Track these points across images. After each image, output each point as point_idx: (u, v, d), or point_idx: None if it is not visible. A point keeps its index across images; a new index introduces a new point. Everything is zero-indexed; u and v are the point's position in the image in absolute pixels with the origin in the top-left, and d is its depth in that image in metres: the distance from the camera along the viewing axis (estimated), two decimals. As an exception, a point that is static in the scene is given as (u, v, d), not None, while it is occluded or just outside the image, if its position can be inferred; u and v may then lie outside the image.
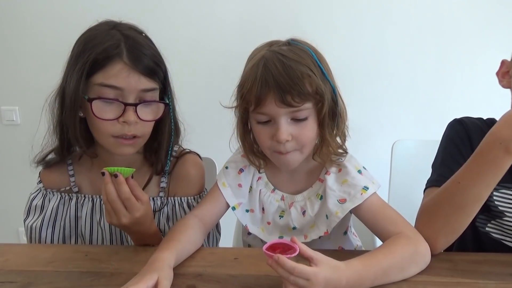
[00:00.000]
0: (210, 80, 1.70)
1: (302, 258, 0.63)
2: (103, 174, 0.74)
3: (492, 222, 0.84)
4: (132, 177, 0.76)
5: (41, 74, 1.79)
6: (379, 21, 1.65)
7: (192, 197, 0.95)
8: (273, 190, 0.89)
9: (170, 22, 1.66)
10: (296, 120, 0.76)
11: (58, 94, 0.83)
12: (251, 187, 0.90)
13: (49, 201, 0.92)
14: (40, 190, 0.94)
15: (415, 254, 0.72)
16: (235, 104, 0.81)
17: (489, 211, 0.84)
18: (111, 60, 0.76)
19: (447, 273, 0.72)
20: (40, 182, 0.94)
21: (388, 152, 1.30)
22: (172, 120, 0.89)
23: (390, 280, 0.69)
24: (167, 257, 0.69)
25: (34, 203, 0.93)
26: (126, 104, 0.78)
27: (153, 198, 0.92)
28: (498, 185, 0.75)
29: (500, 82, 0.87)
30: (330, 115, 0.78)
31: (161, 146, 0.89)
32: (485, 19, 1.64)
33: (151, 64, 0.79)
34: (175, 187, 0.93)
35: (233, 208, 0.88)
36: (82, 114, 0.81)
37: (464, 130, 0.89)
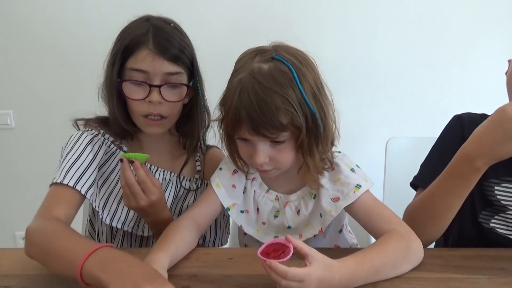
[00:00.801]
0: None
1: (297, 256, 0.64)
2: (121, 160, 0.82)
3: (496, 217, 0.84)
4: (145, 163, 0.83)
5: (36, 77, 1.79)
6: (372, 20, 1.66)
7: None
8: (268, 191, 0.89)
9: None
10: (275, 142, 0.75)
11: (103, 83, 0.91)
12: (245, 188, 0.90)
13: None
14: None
15: (407, 251, 0.72)
16: (219, 120, 0.80)
17: (491, 206, 0.84)
18: (139, 46, 0.85)
19: (439, 269, 0.73)
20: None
21: (383, 150, 1.31)
22: (202, 104, 0.96)
23: (383, 277, 0.70)
24: (161, 259, 0.69)
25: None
26: (151, 86, 0.86)
27: (189, 179, 1.01)
28: (499, 179, 0.76)
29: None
30: (311, 139, 0.76)
31: (193, 130, 0.97)
32: (478, 16, 1.65)
33: (174, 50, 0.86)
34: (207, 175, 1.00)
35: (228, 209, 0.88)
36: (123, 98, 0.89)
37: (460, 127, 0.90)
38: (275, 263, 0.60)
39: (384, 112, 1.73)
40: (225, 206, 0.88)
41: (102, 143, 0.94)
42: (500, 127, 0.71)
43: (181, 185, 1.00)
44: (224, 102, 0.77)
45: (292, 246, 0.63)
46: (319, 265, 0.63)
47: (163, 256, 0.70)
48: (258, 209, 0.89)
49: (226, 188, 0.89)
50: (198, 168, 1.03)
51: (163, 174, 0.99)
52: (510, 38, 1.64)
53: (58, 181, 0.82)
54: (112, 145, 0.96)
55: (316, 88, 0.76)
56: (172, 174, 0.99)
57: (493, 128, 0.73)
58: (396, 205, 0.98)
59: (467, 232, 0.80)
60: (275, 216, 0.88)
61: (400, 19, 1.66)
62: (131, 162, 0.82)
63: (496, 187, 0.83)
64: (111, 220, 0.94)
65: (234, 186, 0.89)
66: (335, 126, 0.82)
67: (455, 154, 0.78)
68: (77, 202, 0.84)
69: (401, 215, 0.96)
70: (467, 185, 0.76)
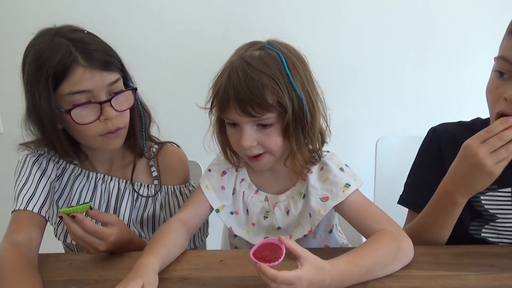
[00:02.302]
0: (196, 81, 1.70)
1: (289, 257, 0.64)
2: (60, 218, 0.75)
3: (486, 227, 0.85)
4: (91, 208, 0.78)
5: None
6: (362, 19, 1.67)
7: (183, 185, 1.00)
8: (257, 191, 0.89)
9: (151, 23, 1.66)
10: (262, 125, 0.76)
11: (30, 115, 0.84)
12: (234, 189, 0.90)
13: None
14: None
15: (398, 251, 0.73)
16: (209, 105, 0.82)
17: (481, 216, 0.85)
18: (70, 68, 0.78)
19: (429, 267, 0.73)
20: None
21: (373, 149, 1.31)
22: (138, 103, 0.92)
23: (373, 277, 0.70)
24: (151, 262, 0.69)
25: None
26: (101, 103, 0.80)
27: (147, 186, 0.97)
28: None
29: None
30: (298, 125, 0.77)
31: (135, 130, 0.93)
32: (469, 16, 1.66)
33: (105, 57, 0.82)
34: (164, 178, 0.98)
35: (217, 211, 0.88)
36: (61, 127, 0.83)
37: (436, 141, 0.91)
38: (265, 266, 0.60)
39: (374, 111, 1.73)
40: (215, 208, 0.88)
41: (49, 160, 0.92)
42: (466, 162, 0.74)
43: (137, 192, 0.96)
44: (214, 85, 0.79)
45: (284, 248, 0.63)
46: (310, 267, 0.63)
47: (153, 260, 0.70)
48: (247, 210, 0.89)
49: (215, 190, 0.88)
50: (155, 173, 0.98)
51: (118, 183, 0.96)
52: (500, 36, 1.66)
53: (14, 208, 0.83)
54: (61, 161, 0.93)
55: (305, 78, 0.78)
56: (128, 182, 0.96)
57: (461, 164, 0.75)
58: (387, 204, 0.98)
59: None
60: (265, 217, 0.88)
61: (391, 18, 1.66)
62: (72, 217, 0.75)
63: (482, 197, 0.84)
64: (65, 236, 0.95)
65: (223, 187, 0.89)
66: (326, 124, 0.83)
67: (437, 188, 0.81)
68: (37, 222, 0.84)
69: (392, 214, 0.97)
70: (450, 217, 0.80)
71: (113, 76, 0.82)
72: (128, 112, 0.87)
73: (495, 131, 0.71)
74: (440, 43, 1.69)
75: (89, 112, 0.80)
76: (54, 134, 0.82)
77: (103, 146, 0.86)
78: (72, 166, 0.94)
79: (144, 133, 0.95)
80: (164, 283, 0.70)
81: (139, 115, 0.93)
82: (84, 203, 0.78)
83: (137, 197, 0.96)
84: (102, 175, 0.94)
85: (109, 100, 0.81)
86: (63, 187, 0.93)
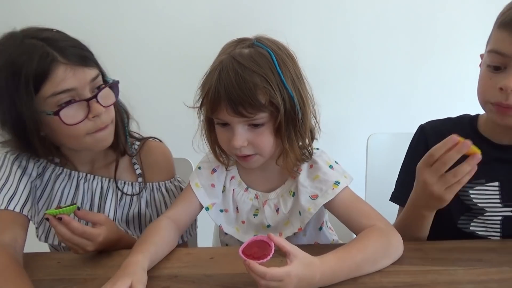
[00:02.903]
0: (186, 79, 1.69)
1: (279, 254, 0.64)
2: (47, 219, 0.74)
3: (475, 220, 0.86)
4: (78, 208, 0.77)
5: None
6: (353, 16, 1.67)
7: (169, 181, 0.98)
8: (246, 189, 0.89)
9: (141, 21, 1.65)
10: (253, 126, 0.76)
11: (5, 125, 0.79)
12: (224, 186, 0.90)
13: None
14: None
15: (388, 247, 0.73)
16: (198, 104, 0.81)
17: (469, 210, 0.86)
18: (50, 68, 0.74)
19: (418, 262, 0.74)
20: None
21: (364, 146, 1.32)
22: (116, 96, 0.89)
23: (363, 273, 0.70)
24: (140, 260, 0.69)
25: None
26: (88, 100, 0.78)
27: (131, 183, 0.94)
28: (471, 182, 0.79)
29: None
30: (289, 124, 0.77)
31: (118, 127, 0.90)
32: (459, 14, 1.67)
33: (82, 53, 0.79)
34: (148, 175, 0.96)
35: (207, 209, 0.88)
36: (43, 133, 0.80)
37: (423, 138, 0.92)
38: (254, 263, 0.60)
39: (366, 108, 1.74)
40: (204, 206, 0.87)
41: (29, 158, 0.89)
42: (419, 185, 0.76)
43: (121, 191, 0.93)
44: (204, 84, 0.77)
45: (273, 246, 0.63)
46: (300, 263, 0.63)
47: (142, 258, 0.69)
48: (237, 208, 0.89)
49: (205, 188, 0.88)
50: (138, 171, 0.95)
51: (101, 182, 0.93)
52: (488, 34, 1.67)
53: None
54: (41, 159, 0.90)
55: (295, 76, 0.78)
56: (111, 181, 0.93)
57: (417, 184, 0.78)
58: (378, 200, 0.99)
59: (449, 239, 0.82)
60: (255, 215, 0.88)
61: (382, 15, 1.67)
62: (59, 219, 0.73)
63: (470, 191, 0.85)
64: (46, 237, 0.93)
65: (213, 185, 0.88)
66: (316, 120, 0.83)
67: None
68: (21, 222, 0.82)
69: (383, 210, 0.97)
70: (422, 223, 0.82)
71: (93, 71, 0.80)
72: (113, 107, 0.85)
73: (437, 155, 0.71)
74: (432, 40, 1.70)
75: (77, 110, 0.78)
76: (36, 141, 0.79)
77: (93, 146, 0.83)
78: (53, 165, 0.91)
79: (126, 130, 0.93)
80: (154, 281, 0.70)
81: (119, 112, 0.91)
82: (71, 204, 0.76)
83: (121, 195, 0.94)
84: (84, 174, 0.92)
85: (95, 96, 0.79)
86: (43, 186, 0.91)
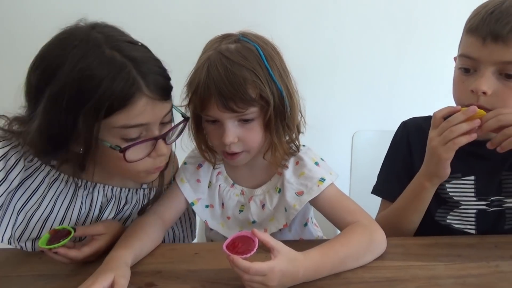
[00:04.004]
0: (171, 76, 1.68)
1: (264, 249, 0.64)
2: (42, 252, 0.69)
3: (451, 213, 0.88)
4: (74, 230, 0.72)
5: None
6: (338, 13, 1.67)
7: (168, 185, 0.93)
8: (233, 185, 0.89)
9: (126, 16, 1.62)
10: (243, 121, 0.75)
11: (42, 136, 0.67)
12: (210, 182, 0.89)
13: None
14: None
15: (371, 242, 0.74)
16: (185, 101, 0.80)
17: (446, 203, 0.88)
18: (133, 97, 0.64)
19: (400, 258, 0.75)
20: None
21: (349, 143, 1.33)
22: None
23: (346, 268, 0.71)
24: (123, 255, 0.68)
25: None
26: (157, 138, 0.70)
27: (136, 190, 0.87)
28: (448, 177, 0.82)
29: None
30: (278, 117, 0.77)
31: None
32: (445, 12, 1.69)
33: (164, 83, 0.69)
34: (155, 181, 0.86)
35: (192, 204, 0.87)
36: (82, 151, 0.68)
37: (406, 134, 0.95)
38: (237, 258, 0.60)
39: (351, 105, 1.75)
40: (190, 201, 0.87)
41: (21, 157, 0.75)
42: (426, 148, 0.80)
43: (126, 199, 0.86)
44: (192, 81, 0.76)
45: (257, 241, 0.64)
46: (284, 258, 0.63)
47: (126, 253, 0.69)
48: (223, 204, 0.89)
49: (190, 183, 0.88)
50: None
51: (103, 190, 0.83)
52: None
53: None
54: (35, 159, 0.78)
55: (282, 70, 0.78)
56: (115, 189, 0.84)
57: (426, 151, 0.81)
58: (362, 197, 1.00)
59: (426, 231, 0.85)
60: (240, 211, 0.88)
61: (367, 12, 1.68)
62: (55, 253, 0.69)
63: (447, 185, 0.88)
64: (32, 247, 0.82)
65: (198, 180, 0.88)
66: (301, 114, 0.83)
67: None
68: None
69: (367, 206, 0.99)
70: (419, 201, 0.84)
71: (169, 105, 0.71)
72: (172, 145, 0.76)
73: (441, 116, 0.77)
74: (418, 38, 1.72)
75: (142, 148, 0.69)
76: (70, 157, 0.70)
77: (140, 180, 0.77)
78: (47, 168, 0.79)
79: None
80: (137, 276, 0.69)
81: None
82: (65, 232, 0.71)
83: (124, 205, 0.86)
84: (84, 181, 0.81)
85: (164, 136, 0.71)
86: (28, 195, 0.79)
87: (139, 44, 0.71)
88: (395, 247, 0.78)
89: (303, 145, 0.88)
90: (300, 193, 0.82)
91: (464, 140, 0.74)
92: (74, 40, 0.65)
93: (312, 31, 1.68)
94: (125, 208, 0.86)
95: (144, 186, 0.88)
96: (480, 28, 0.75)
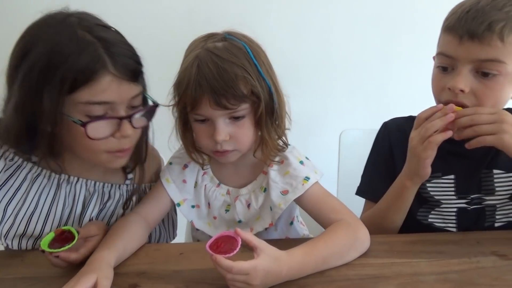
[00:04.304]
0: (158, 75, 1.67)
1: (248, 249, 0.65)
2: (43, 251, 0.69)
3: (432, 212, 0.89)
4: (78, 233, 0.72)
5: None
6: (327, 11, 1.68)
7: (154, 183, 0.93)
8: (218, 185, 0.89)
9: (111, 16, 1.61)
10: (234, 118, 0.76)
11: (19, 110, 0.69)
12: (196, 182, 0.89)
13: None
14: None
15: (354, 240, 0.74)
16: (172, 102, 0.80)
17: (427, 202, 0.89)
18: (97, 74, 0.66)
19: (384, 255, 0.76)
20: None
21: (337, 141, 1.34)
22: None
23: (330, 266, 0.71)
24: (106, 256, 0.68)
25: None
26: (121, 118, 0.71)
27: (119, 186, 0.87)
28: (429, 176, 0.83)
29: None
30: (268, 113, 0.78)
31: (142, 142, 0.83)
32: (431, 11, 1.71)
33: (134, 65, 0.71)
34: (140, 178, 0.89)
35: (178, 205, 0.87)
36: (50, 129, 0.70)
37: (387, 135, 0.96)
38: (220, 258, 0.60)
39: (338, 104, 1.76)
40: (176, 202, 0.87)
41: (1, 156, 0.77)
42: (408, 148, 0.81)
43: (109, 194, 0.86)
44: (181, 81, 0.76)
45: (240, 240, 0.64)
46: (266, 257, 0.63)
47: (109, 254, 0.69)
48: (209, 204, 0.89)
49: (176, 183, 0.87)
50: (130, 176, 0.89)
51: (86, 185, 0.84)
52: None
53: None
54: (16, 157, 0.78)
55: (269, 67, 0.79)
56: (98, 184, 0.85)
57: (407, 150, 0.82)
58: (350, 195, 1.01)
59: (409, 231, 0.86)
60: (226, 210, 0.88)
61: (355, 11, 1.69)
62: (56, 256, 0.68)
63: (428, 184, 0.89)
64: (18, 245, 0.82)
65: (184, 181, 0.88)
66: (286, 111, 0.83)
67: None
68: None
69: (354, 205, 0.99)
70: (401, 201, 0.85)
71: (138, 88, 0.73)
72: (140, 130, 0.77)
73: (423, 117, 0.79)
74: (406, 37, 1.73)
75: (105, 126, 0.70)
76: (44, 138, 0.71)
77: (105, 163, 0.76)
78: (29, 165, 0.80)
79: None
80: (121, 277, 0.69)
81: (146, 132, 0.83)
82: (68, 240, 0.70)
83: (107, 199, 0.86)
84: (67, 176, 0.82)
85: (130, 116, 0.72)
86: (12, 193, 0.79)
87: (113, 29, 0.74)
88: (379, 244, 0.79)
89: (288, 144, 0.88)
90: (285, 192, 0.82)
91: (440, 138, 0.75)
92: (51, 22, 0.70)
93: (300, 29, 1.69)
94: (109, 203, 0.86)
95: (127, 182, 0.89)
96: (457, 26, 0.76)
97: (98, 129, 0.70)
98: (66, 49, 0.66)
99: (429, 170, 0.79)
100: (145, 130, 0.82)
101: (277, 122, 0.80)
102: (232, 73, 0.72)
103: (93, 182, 0.85)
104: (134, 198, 0.88)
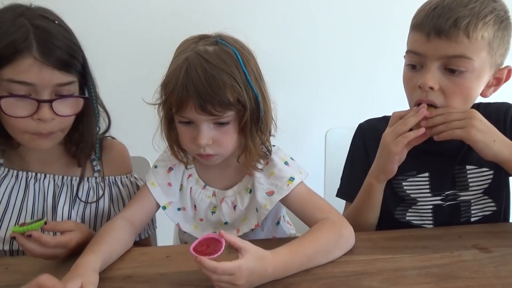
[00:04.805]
0: (143, 75, 1.65)
1: (233, 250, 0.65)
2: (14, 238, 0.70)
3: (410, 210, 0.91)
4: (45, 223, 0.73)
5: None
6: (311, 11, 1.69)
7: (125, 176, 0.97)
8: (204, 187, 0.89)
9: (95, 16, 1.60)
10: (219, 124, 0.76)
11: None
12: (181, 185, 0.89)
13: None
14: None
15: (339, 238, 0.75)
16: (159, 101, 0.80)
17: (404, 201, 0.91)
18: (20, 54, 0.71)
19: (368, 251, 0.77)
20: None
21: (323, 140, 1.35)
22: (96, 112, 0.86)
23: (315, 264, 0.72)
24: (91, 261, 0.68)
25: None
26: (39, 101, 0.74)
27: (87, 179, 0.91)
28: (404, 175, 0.87)
29: None
30: (253, 121, 0.78)
31: (84, 138, 0.86)
32: (413, 11, 1.73)
33: (65, 57, 0.75)
34: (107, 172, 0.94)
35: (164, 208, 0.87)
36: None
37: (362, 137, 0.98)
38: (204, 259, 0.61)
39: (323, 104, 1.77)
40: (161, 205, 0.87)
41: None
42: (380, 145, 0.84)
43: (77, 195, 0.89)
44: (168, 82, 0.76)
45: (224, 242, 0.64)
46: (251, 257, 0.64)
47: (94, 258, 0.68)
48: (195, 206, 0.89)
49: (161, 187, 0.87)
50: (97, 168, 0.93)
51: (54, 180, 0.88)
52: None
53: None
54: None
55: (257, 74, 0.80)
56: (66, 177, 0.89)
57: (379, 147, 0.85)
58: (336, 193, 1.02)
59: (389, 230, 0.87)
60: (213, 212, 0.88)
61: (339, 11, 1.70)
62: (28, 236, 0.70)
63: (403, 183, 0.91)
64: None
65: (169, 184, 0.88)
66: (272, 118, 0.84)
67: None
68: None
69: (341, 203, 1.01)
70: (370, 199, 0.87)
71: (66, 78, 0.75)
72: (71, 118, 0.80)
73: (397, 116, 0.81)
74: (390, 36, 1.74)
75: (24, 106, 0.74)
76: None
77: (28, 144, 0.79)
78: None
79: (97, 143, 0.88)
80: (106, 282, 0.69)
81: (94, 124, 0.86)
82: (37, 220, 0.72)
83: (76, 194, 0.89)
84: (34, 174, 0.86)
85: (50, 101, 0.74)
86: None
87: (56, 22, 0.77)
88: (364, 241, 0.80)
89: (273, 145, 0.89)
90: (270, 193, 0.83)
91: (412, 135, 0.77)
92: (4, 9, 0.76)
93: (284, 30, 1.69)
94: (79, 196, 0.89)
95: (96, 174, 0.92)
96: (424, 24, 0.78)
97: (15, 107, 0.73)
98: (1, 30, 0.72)
99: (395, 167, 0.81)
100: (88, 121, 0.85)
101: (261, 130, 0.81)
102: (220, 80, 0.72)
103: (60, 177, 0.88)
104: (106, 193, 0.91)
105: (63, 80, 0.76)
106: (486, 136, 0.76)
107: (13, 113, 0.73)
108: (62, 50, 0.75)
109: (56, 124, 0.77)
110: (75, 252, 0.76)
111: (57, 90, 0.76)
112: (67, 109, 0.78)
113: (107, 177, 0.93)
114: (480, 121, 0.76)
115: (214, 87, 0.71)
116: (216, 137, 0.77)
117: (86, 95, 0.83)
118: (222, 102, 0.72)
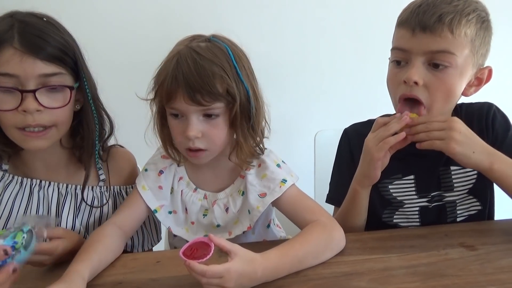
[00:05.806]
0: (135, 73, 1.64)
1: (223, 253, 0.65)
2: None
3: (397, 213, 0.92)
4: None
5: None
6: (298, 14, 1.70)
7: (130, 186, 0.96)
8: (195, 190, 0.89)
9: (88, 18, 1.59)
10: (208, 116, 0.77)
11: None
12: (172, 188, 0.89)
13: None
14: None
15: (329, 240, 0.76)
16: (151, 96, 0.81)
17: (390, 204, 0.92)
18: (2, 45, 0.73)
19: (357, 252, 0.78)
20: None
21: (312, 142, 1.36)
22: (93, 111, 0.84)
23: (306, 266, 0.73)
24: (80, 270, 0.67)
25: None
26: (22, 92, 0.73)
27: (92, 188, 0.90)
28: (390, 178, 0.88)
29: None
30: (244, 117, 0.79)
31: (87, 141, 0.85)
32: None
33: (50, 48, 0.75)
34: (113, 181, 0.93)
35: (155, 211, 0.87)
36: None
37: (347, 142, 0.99)
38: (193, 263, 0.61)
39: (312, 106, 1.79)
40: (152, 209, 0.87)
41: None
42: (363, 150, 0.84)
43: (82, 198, 0.88)
44: (159, 73, 0.77)
45: (213, 245, 0.64)
46: (240, 260, 0.65)
47: (82, 267, 0.68)
48: (186, 209, 0.89)
49: (152, 190, 0.87)
50: (102, 176, 0.92)
51: (58, 188, 0.88)
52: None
53: None
54: None
55: (250, 72, 0.81)
56: (70, 186, 0.88)
57: (362, 152, 0.85)
58: (326, 195, 1.03)
59: None
60: (204, 215, 0.89)
61: (327, 13, 1.71)
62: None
63: (390, 186, 0.92)
64: None
65: (160, 187, 0.88)
66: (266, 120, 0.85)
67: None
68: None
69: (332, 205, 1.02)
70: (355, 204, 0.88)
71: (51, 68, 0.75)
72: (63, 112, 0.78)
73: (381, 123, 0.82)
74: (378, 38, 1.75)
75: (9, 98, 0.74)
76: None
77: (21, 143, 0.78)
78: (0, 173, 0.84)
79: (97, 145, 0.87)
80: (96, 290, 0.69)
81: (93, 125, 0.85)
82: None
83: (80, 202, 0.88)
84: (38, 181, 0.86)
85: (34, 91, 0.74)
86: None
87: (44, 19, 0.79)
88: (353, 242, 0.81)
89: (265, 148, 0.89)
90: (263, 195, 0.83)
91: (393, 140, 0.78)
92: (3, 17, 0.78)
93: (273, 32, 1.70)
94: (83, 206, 0.88)
95: (101, 183, 0.91)
96: (409, 20, 0.80)
97: (1, 101, 0.74)
98: None
99: (378, 172, 0.82)
100: (87, 120, 0.84)
101: (253, 128, 0.81)
102: (209, 70, 0.73)
103: (65, 185, 0.88)
104: (110, 202, 0.90)
105: (47, 70, 0.75)
106: (466, 147, 0.77)
107: (0, 107, 0.74)
108: (47, 42, 0.75)
109: (45, 117, 0.76)
110: (65, 260, 0.76)
111: (43, 82, 0.75)
112: (54, 101, 0.77)
113: (112, 187, 0.93)
114: (460, 132, 0.77)
115: (203, 76, 0.72)
116: (206, 130, 0.77)
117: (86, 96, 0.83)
118: (211, 92, 0.73)
